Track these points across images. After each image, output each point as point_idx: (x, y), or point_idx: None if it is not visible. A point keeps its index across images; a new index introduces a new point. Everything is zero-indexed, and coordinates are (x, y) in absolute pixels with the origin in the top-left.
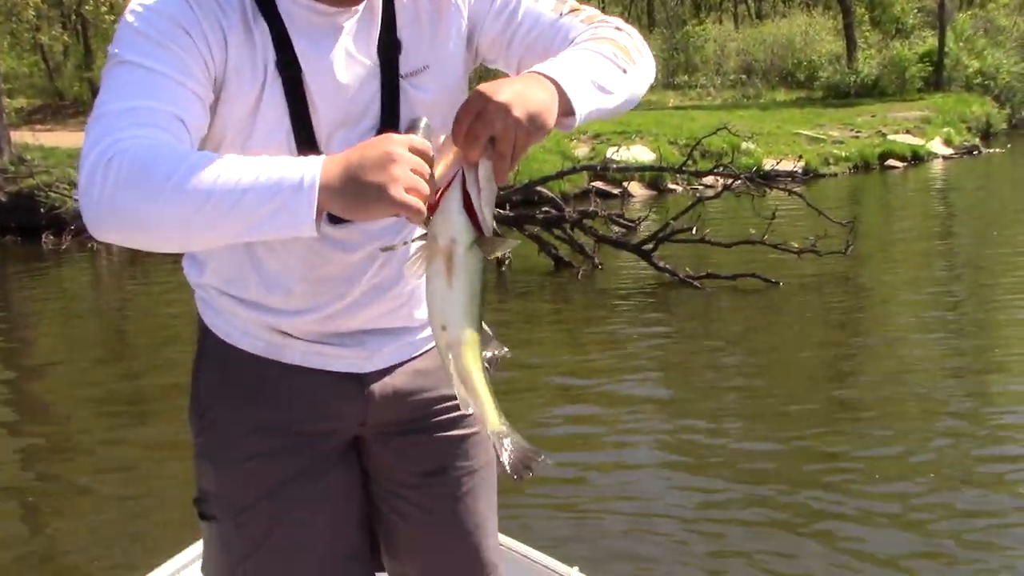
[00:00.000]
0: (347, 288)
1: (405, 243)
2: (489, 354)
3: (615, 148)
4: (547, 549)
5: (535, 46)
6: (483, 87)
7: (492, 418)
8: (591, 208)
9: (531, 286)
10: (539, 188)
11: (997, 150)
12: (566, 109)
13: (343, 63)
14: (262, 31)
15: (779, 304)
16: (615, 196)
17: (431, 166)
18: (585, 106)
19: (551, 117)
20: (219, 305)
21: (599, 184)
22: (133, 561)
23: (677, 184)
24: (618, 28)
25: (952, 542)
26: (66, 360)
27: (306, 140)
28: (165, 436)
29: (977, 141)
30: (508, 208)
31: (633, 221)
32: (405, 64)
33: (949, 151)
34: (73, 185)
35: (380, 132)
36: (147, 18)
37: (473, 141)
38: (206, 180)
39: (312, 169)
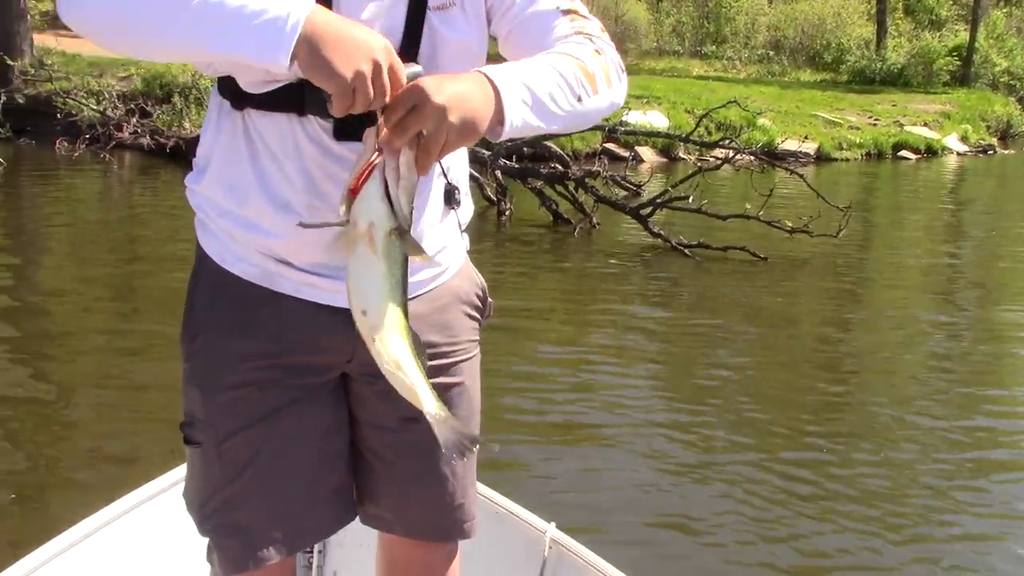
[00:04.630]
0: None
1: (326, 224)
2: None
3: (627, 111)
4: (525, 504)
5: (524, 27)
6: (426, 81)
7: (429, 402)
8: (595, 168)
9: (528, 238)
10: (549, 143)
11: (1012, 152)
12: (499, 119)
13: None
14: None
15: (765, 279)
16: (625, 159)
17: (388, 94)
18: (517, 120)
19: (483, 126)
20: (216, 227)
21: (611, 146)
22: (125, 477)
23: (689, 154)
24: (598, 51)
25: (942, 529)
26: (70, 267)
27: None
28: (161, 355)
29: (994, 141)
30: (515, 160)
31: (636, 185)
32: None
33: (964, 148)
34: (92, 94)
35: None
36: None
37: (402, 132)
38: None
39: (299, 13)
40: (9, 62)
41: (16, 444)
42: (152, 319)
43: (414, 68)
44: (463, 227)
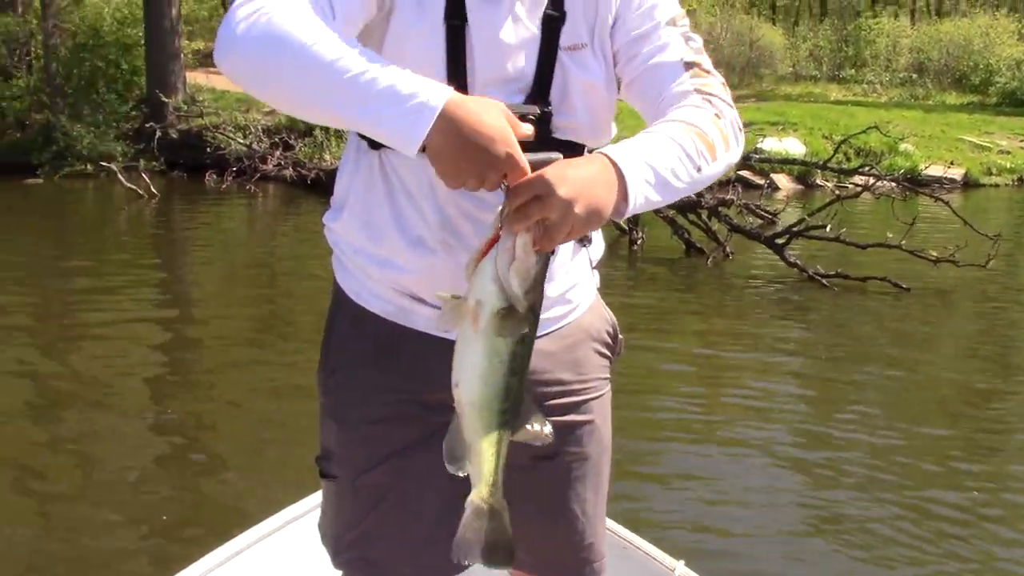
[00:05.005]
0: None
1: (456, 297)
2: (529, 435)
3: (762, 138)
4: (654, 540)
5: (647, 77)
6: (551, 172)
7: (482, 491)
8: (729, 196)
9: (661, 268)
10: None
11: None
12: (623, 198)
13: (509, 24)
14: None
15: (908, 309)
16: (760, 187)
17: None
18: (640, 200)
19: (608, 212)
20: (353, 265)
21: (745, 173)
22: (272, 495)
23: (826, 181)
24: (717, 115)
25: None
26: (215, 288)
27: (457, 89)
28: (297, 383)
29: None
30: None
31: (771, 213)
32: (566, 36)
33: None
34: (239, 128)
35: (529, 99)
36: None
37: (523, 218)
38: (349, 63)
39: (434, 104)
40: (164, 99)
41: (169, 452)
42: (298, 336)
43: (551, 156)
44: (594, 264)
